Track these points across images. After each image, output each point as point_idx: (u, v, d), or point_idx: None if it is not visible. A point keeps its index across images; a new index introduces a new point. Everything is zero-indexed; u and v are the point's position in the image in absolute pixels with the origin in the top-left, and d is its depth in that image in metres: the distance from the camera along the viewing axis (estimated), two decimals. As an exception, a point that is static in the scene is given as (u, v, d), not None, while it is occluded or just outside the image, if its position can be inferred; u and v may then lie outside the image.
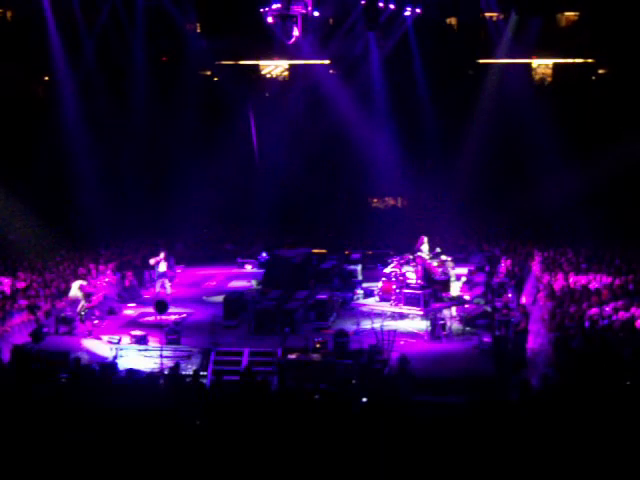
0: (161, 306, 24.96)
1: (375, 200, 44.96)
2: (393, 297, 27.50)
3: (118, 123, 39.30)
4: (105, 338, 24.47)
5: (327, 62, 40.94)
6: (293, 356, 22.23)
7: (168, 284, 29.32)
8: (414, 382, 18.86)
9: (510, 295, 27.79)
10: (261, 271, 32.63)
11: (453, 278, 29.89)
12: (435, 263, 29.37)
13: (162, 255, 29.06)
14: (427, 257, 29.39)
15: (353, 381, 19.91)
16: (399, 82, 39.14)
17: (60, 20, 36.03)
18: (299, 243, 35.20)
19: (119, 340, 23.77)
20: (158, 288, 29.07)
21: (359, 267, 31.54)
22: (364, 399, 15.71)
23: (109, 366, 21.26)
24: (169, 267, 33.38)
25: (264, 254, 34.93)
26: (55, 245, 33.68)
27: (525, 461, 12.24)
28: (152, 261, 29.25)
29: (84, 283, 26.82)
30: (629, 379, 16.95)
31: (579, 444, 12.48)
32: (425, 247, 29.81)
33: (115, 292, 30.03)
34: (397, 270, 28.31)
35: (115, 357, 23.04)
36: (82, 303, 25.97)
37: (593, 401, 14.25)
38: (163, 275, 29.07)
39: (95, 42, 37.77)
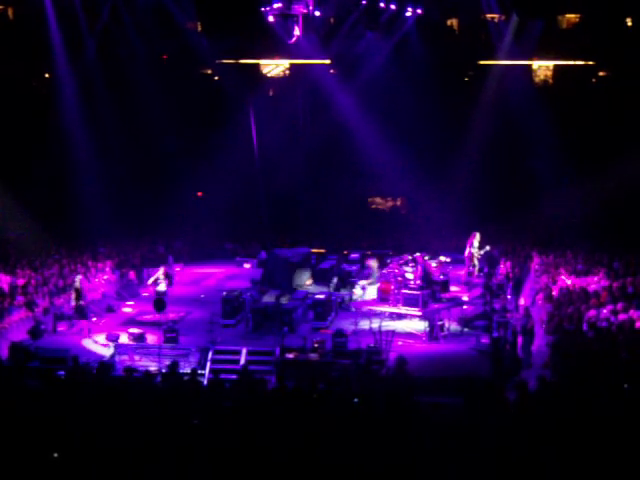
0: (160, 304, 24.96)
1: (375, 200, 44.99)
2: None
3: (118, 121, 39.29)
4: (103, 336, 24.46)
5: (328, 62, 40.93)
6: (291, 355, 22.26)
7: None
8: (412, 383, 18.86)
9: (509, 296, 27.82)
10: (259, 270, 32.58)
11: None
12: (434, 264, 29.42)
13: (161, 271, 27.23)
14: (477, 253, 29.87)
15: (351, 381, 19.91)
16: (399, 82, 39.10)
17: (61, 18, 36.02)
18: (298, 242, 35.21)
19: (117, 338, 23.75)
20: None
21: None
22: (360, 399, 15.69)
23: (107, 364, 21.25)
24: (168, 267, 33.33)
25: (263, 253, 34.93)
26: (54, 243, 33.71)
27: (521, 462, 12.25)
28: (150, 281, 27.92)
29: (81, 277, 26.67)
30: (627, 382, 16.94)
31: (575, 446, 12.48)
32: (476, 243, 30.16)
33: (114, 290, 30.04)
34: (396, 270, 28.36)
35: (113, 355, 23.03)
36: (74, 296, 25.70)
37: (590, 404, 14.25)
38: (164, 295, 26.52)
39: (96, 40, 37.80)
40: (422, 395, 16.57)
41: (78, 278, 26.25)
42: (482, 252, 30.45)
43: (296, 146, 41.49)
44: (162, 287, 26.95)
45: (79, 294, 25.71)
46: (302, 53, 39.23)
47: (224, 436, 13.37)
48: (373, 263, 30.57)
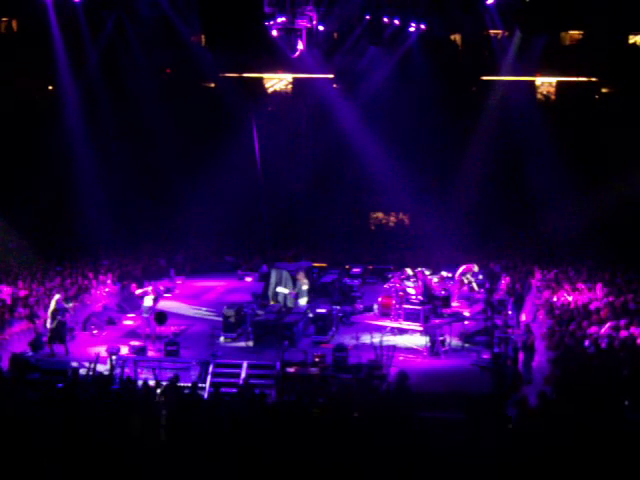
0: (161, 317, 24.90)
1: (377, 215, 44.98)
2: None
3: (120, 134, 39.37)
4: (102, 348, 24.38)
5: (331, 76, 41.03)
6: (292, 370, 22.20)
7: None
8: (413, 398, 18.81)
9: (510, 312, 27.78)
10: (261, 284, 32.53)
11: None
12: (435, 279, 29.42)
13: (150, 288, 27.01)
14: (468, 282, 29.85)
15: (351, 396, 19.86)
16: (402, 97, 39.13)
17: (65, 30, 36.05)
18: (300, 256, 35.18)
19: (118, 350, 23.67)
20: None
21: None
22: (361, 414, 15.66)
23: (107, 377, 21.17)
24: (169, 279, 33.36)
25: (264, 266, 34.89)
26: (55, 255, 33.68)
27: (521, 478, 12.22)
28: (139, 291, 27.52)
29: (60, 298, 25.45)
30: (628, 398, 16.91)
31: (575, 463, 12.45)
32: (470, 276, 30.21)
33: (115, 302, 30.01)
34: (397, 285, 28.38)
35: (113, 368, 22.94)
36: (49, 320, 24.50)
37: (591, 420, 14.21)
38: (150, 311, 26.03)
39: (99, 53, 37.83)
40: (423, 410, 16.53)
41: (55, 299, 25.00)
42: (473, 280, 30.52)
43: (299, 160, 41.53)
44: (149, 302, 26.29)
45: (55, 316, 24.43)
46: (305, 67, 39.28)
47: (224, 450, 13.33)
48: (301, 277, 29.95)
